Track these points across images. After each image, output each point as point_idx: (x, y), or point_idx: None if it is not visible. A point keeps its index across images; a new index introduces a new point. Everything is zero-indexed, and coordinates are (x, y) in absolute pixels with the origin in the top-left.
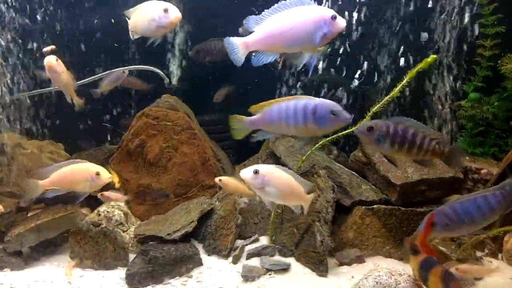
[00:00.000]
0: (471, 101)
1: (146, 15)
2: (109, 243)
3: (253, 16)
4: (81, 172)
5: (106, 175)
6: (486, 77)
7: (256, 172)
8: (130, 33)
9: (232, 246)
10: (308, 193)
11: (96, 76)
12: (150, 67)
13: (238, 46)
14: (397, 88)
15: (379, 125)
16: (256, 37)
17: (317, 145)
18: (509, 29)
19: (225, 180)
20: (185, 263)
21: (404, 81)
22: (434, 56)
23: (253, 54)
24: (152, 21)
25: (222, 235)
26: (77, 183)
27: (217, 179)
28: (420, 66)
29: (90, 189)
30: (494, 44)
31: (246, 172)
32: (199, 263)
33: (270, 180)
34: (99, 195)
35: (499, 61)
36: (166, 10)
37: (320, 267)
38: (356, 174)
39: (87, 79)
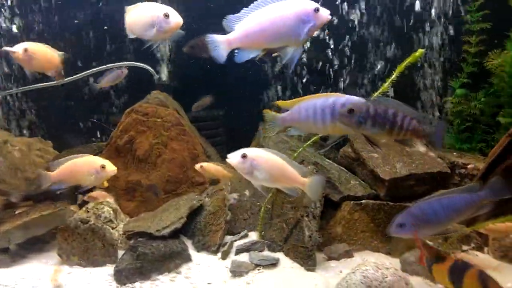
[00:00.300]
0: (458, 97)
1: (145, 17)
2: (97, 239)
3: (233, 15)
4: (86, 165)
5: (111, 168)
6: (473, 73)
7: (244, 156)
8: (127, 31)
9: (221, 242)
10: (305, 176)
11: (85, 72)
12: (139, 64)
13: (220, 44)
14: (387, 83)
15: (359, 107)
16: (238, 34)
17: (308, 141)
18: (495, 25)
19: (206, 166)
20: (174, 259)
21: (394, 76)
22: (422, 50)
23: (236, 51)
24: (151, 25)
25: (212, 231)
26: (82, 176)
27: (198, 166)
28: (408, 60)
29: (95, 182)
30: (479, 40)
31: (234, 157)
32: (188, 259)
33: (259, 164)
34: (86, 198)
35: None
36: (167, 15)
37: (308, 261)
38: (346, 170)
39: (77, 76)
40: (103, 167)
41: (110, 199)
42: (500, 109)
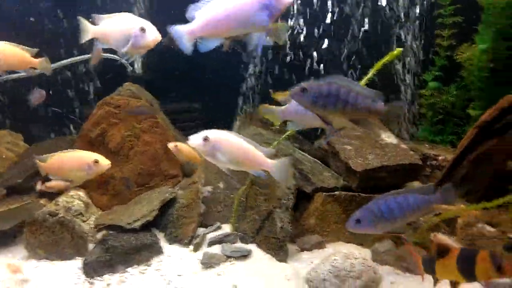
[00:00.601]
0: (430, 90)
1: (120, 29)
2: (66, 233)
3: (195, 3)
4: (76, 160)
5: (105, 162)
6: (445, 66)
7: (205, 138)
8: (84, 37)
9: (193, 234)
10: (270, 158)
11: (61, 62)
12: (112, 55)
13: (183, 34)
14: (363, 81)
15: (312, 86)
16: (200, 23)
17: (284, 134)
18: (466, 19)
19: (180, 146)
20: (145, 252)
21: (370, 74)
22: (400, 49)
23: (199, 40)
24: (126, 38)
25: (184, 223)
26: (72, 171)
27: (171, 145)
28: (386, 59)
29: (87, 177)
30: (451, 34)
31: (195, 139)
32: (159, 251)
33: (221, 146)
34: (43, 188)
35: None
36: (143, 30)
37: (280, 253)
38: (319, 162)
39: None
40: (96, 162)
41: (81, 192)
42: (470, 102)
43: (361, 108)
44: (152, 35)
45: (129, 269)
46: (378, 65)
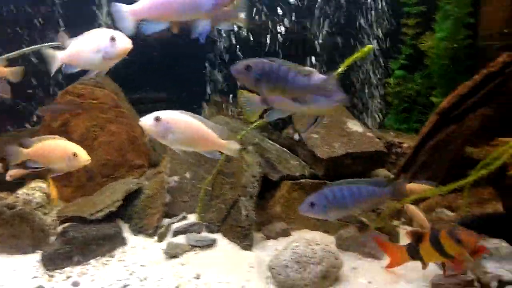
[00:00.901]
0: (396, 78)
1: (88, 45)
2: (26, 225)
3: None
4: (60, 149)
5: (83, 158)
6: (410, 55)
7: (157, 119)
8: (53, 66)
9: (158, 224)
10: (222, 138)
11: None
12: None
13: (126, 14)
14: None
15: (256, 63)
16: (145, 4)
17: (253, 125)
18: (430, 8)
19: None
20: (108, 243)
21: (340, 69)
22: (371, 46)
23: (143, 22)
24: (96, 53)
25: (149, 214)
26: (55, 160)
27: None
28: (357, 55)
29: (67, 168)
30: (416, 23)
31: (147, 119)
32: (123, 242)
33: (174, 127)
34: (7, 177)
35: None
36: (113, 39)
37: (245, 241)
38: (287, 150)
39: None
40: (74, 155)
41: (43, 184)
42: (434, 89)
43: (300, 87)
44: (123, 42)
45: (91, 261)
46: (349, 61)
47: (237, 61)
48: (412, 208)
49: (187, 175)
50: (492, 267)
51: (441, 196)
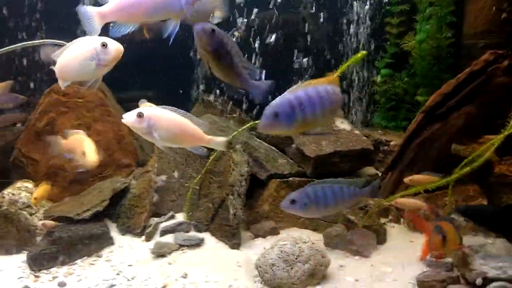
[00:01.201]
0: (383, 77)
1: (79, 55)
2: (11, 226)
3: None
4: (76, 144)
5: (90, 158)
6: (396, 53)
7: (140, 115)
8: (59, 81)
9: (145, 224)
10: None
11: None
12: (58, 41)
13: (93, 16)
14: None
15: (219, 31)
16: (113, 7)
17: (245, 126)
18: (413, 7)
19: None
20: (95, 243)
21: (335, 75)
22: (364, 52)
23: (111, 24)
24: (88, 61)
25: (137, 213)
26: (74, 155)
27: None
28: (350, 61)
29: (82, 166)
30: (400, 21)
31: (129, 116)
32: (110, 242)
33: (157, 123)
34: None
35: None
36: (104, 45)
37: (233, 240)
38: (275, 149)
39: None
40: (83, 153)
41: (29, 184)
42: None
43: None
44: (115, 47)
45: (78, 261)
46: (343, 67)
47: None
48: (401, 200)
49: (175, 174)
50: (477, 264)
51: (428, 194)
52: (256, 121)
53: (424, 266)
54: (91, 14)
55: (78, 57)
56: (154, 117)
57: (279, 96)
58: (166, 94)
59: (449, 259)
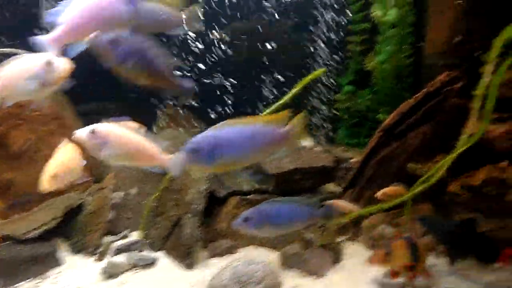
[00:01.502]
0: (345, 94)
1: (22, 74)
2: None
3: (53, 9)
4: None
5: (40, 184)
6: (359, 71)
7: (92, 131)
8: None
9: (99, 243)
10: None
11: None
12: (15, 50)
13: (47, 44)
14: (287, 96)
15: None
16: (63, 30)
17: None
18: (374, 25)
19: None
20: (40, 263)
21: (294, 91)
22: (323, 69)
23: (67, 46)
24: (32, 81)
25: (90, 231)
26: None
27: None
28: (309, 77)
29: None
30: (362, 39)
31: (82, 132)
32: (59, 262)
33: (110, 140)
34: None
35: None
36: (49, 63)
37: (187, 259)
38: None
39: None
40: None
41: None
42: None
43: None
44: (61, 65)
45: (22, 283)
46: (303, 82)
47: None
48: (336, 202)
49: (133, 190)
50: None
51: (385, 212)
52: None
53: (379, 286)
54: (44, 43)
55: (21, 75)
56: (107, 134)
57: (203, 132)
58: (128, 107)
59: (401, 279)
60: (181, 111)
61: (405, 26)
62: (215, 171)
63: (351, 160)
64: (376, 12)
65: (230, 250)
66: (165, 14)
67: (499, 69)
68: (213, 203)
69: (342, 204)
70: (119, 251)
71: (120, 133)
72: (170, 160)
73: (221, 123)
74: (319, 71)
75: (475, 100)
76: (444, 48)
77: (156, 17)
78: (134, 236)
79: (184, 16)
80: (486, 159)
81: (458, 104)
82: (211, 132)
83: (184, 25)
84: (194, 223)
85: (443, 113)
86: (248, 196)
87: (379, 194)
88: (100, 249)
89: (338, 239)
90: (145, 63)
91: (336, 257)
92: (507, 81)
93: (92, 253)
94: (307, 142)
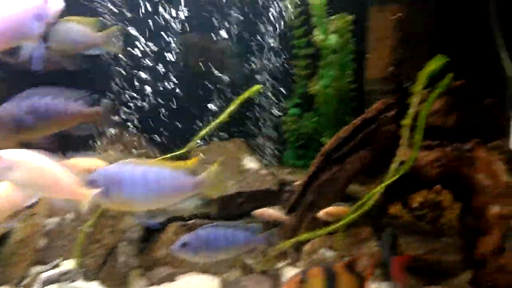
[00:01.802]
0: (291, 116)
1: (22, 11)
2: None
3: None
4: None
5: None
6: (304, 94)
7: None
8: None
9: (25, 273)
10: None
11: None
12: None
13: None
14: (225, 113)
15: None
16: None
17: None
18: (317, 50)
19: None
20: None
21: (232, 108)
22: (260, 86)
23: None
24: (33, 19)
25: (16, 261)
26: None
27: None
28: (246, 94)
29: None
30: (307, 64)
31: None
32: None
33: (17, 168)
34: None
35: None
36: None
37: None
38: None
39: None
40: None
41: None
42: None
43: (74, 115)
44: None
45: None
46: (240, 99)
47: None
48: (259, 211)
49: (69, 216)
50: None
51: (326, 236)
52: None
53: None
54: None
55: (10, 17)
56: (13, 160)
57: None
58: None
59: None
60: (125, 132)
61: (346, 52)
62: (115, 208)
63: (295, 183)
64: (318, 36)
65: (169, 278)
66: (82, 34)
67: (427, 100)
68: (152, 230)
69: (271, 212)
70: (48, 281)
71: (32, 161)
72: (90, 195)
73: (127, 159)
74: (255, 87)
75: (404, 129)
76: (382, 75)
77: (72, 37)
78: (68, 265)
79: (102, 37)
80: (421, 185)
81: (392, 131)
82: (113, 167)
83: (103, 45)
84: (129, 251)
85: (379, 139)
86: (188, 222)
87: (321, 213)
88: (26, 281)
89: (279, 264)
90: (43, 114)
91: (276, 283)
92: (435, 111)
93: (17, 285)
94: (253, 163)
